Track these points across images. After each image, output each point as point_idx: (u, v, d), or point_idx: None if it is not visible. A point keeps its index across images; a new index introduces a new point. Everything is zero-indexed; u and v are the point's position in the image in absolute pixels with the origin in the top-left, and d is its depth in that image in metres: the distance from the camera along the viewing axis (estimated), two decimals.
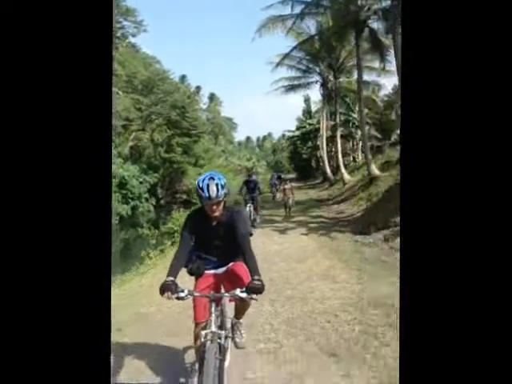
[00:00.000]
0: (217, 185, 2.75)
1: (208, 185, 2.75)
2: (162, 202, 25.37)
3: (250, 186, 11.98)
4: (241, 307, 3.18)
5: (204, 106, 57.10)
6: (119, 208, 20.31)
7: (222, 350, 2.74)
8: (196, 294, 2.79)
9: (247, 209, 11.54)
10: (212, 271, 3.11)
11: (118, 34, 29.21)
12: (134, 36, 32.70)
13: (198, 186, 2.79)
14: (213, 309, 2.78)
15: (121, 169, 21.14)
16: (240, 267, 3.00)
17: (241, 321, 3.39)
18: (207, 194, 2.74)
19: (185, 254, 2.89)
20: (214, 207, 2.81)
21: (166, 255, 9.63)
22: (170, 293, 2.58)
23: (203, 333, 2.72)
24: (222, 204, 2.85)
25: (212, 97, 63.39)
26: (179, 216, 12.93)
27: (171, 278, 2.65)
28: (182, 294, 2.64)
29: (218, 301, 2.86)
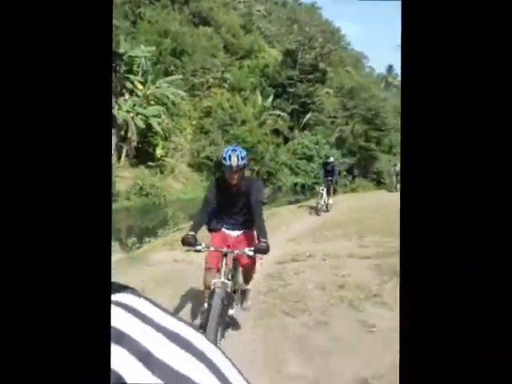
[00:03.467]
0: (237, 156, 3.21)
1: (230, 155, 3.21)
2: (356, 180, 33.27)
3: (327, 169, 11.23)
4: (247, 271, 3.66)
5: None
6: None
7: (228, 298, 3.20)
8: (211, 248, 3.26)
9: (320, 192, 11.05)
10: (227, 231, 3.61)
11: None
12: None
13: (223, 156, 3.29)
14: (223, 262, 3.23)
15: (328, 151, 30.26)
16: (250, 234, 3.55)
17: (249, 287, 3.84)
18: (229, 163, 3.20)
19: (206, 213, 3.41)
20: (234, 175, 3.25)
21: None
22: (189, 245, 3.10)
23: (213, 281, 3.19)
24: (241, 173, 3.30)
25: None
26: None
27: (192, 233, 3.17)
28: (199, 247, 3.15)
29: (229, 256, 3.28)
